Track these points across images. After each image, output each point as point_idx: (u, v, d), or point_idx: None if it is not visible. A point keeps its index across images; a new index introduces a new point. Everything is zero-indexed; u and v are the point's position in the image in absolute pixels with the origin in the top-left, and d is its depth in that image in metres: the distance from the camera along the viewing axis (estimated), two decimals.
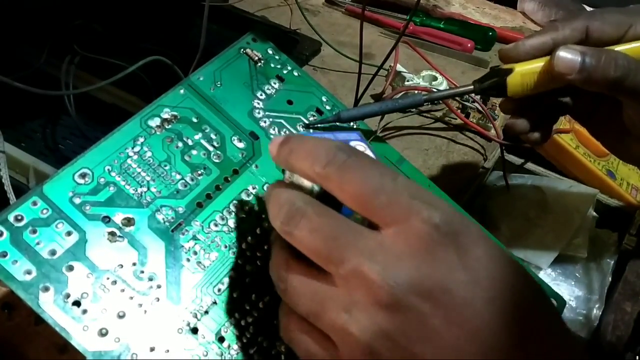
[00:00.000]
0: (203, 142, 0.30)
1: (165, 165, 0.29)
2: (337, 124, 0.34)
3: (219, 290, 0.27)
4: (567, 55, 0.31)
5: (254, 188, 0.30)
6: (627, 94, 0.31)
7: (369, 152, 0.26)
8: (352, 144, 0.26)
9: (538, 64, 0.32)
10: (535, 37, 0.33)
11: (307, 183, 0.24)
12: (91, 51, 0.46)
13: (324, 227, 0.22)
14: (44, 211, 0.25)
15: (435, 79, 0.54)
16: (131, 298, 0.25)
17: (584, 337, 0.40)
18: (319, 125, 0.34)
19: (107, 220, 0.26)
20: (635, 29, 0.32)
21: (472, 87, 0.35)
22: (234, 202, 0.30)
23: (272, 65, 0.35)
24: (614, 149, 0.38)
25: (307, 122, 0.34)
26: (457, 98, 0.53)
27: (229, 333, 0.27)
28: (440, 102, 0.53)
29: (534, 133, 0.36)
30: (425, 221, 0.21)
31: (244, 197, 0.30)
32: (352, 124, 0.35)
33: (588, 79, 0.31)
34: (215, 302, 0.27)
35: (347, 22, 0.69)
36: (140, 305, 0.25)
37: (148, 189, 0.28)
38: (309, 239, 0.22)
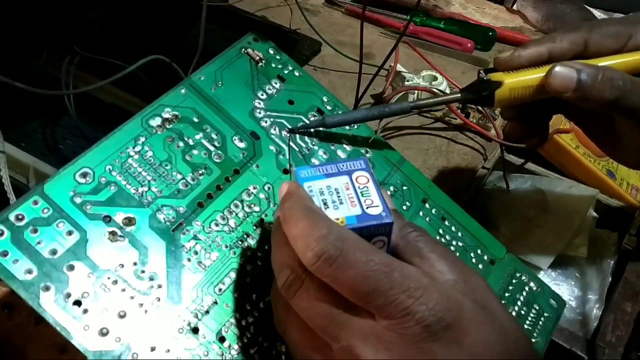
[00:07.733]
0: (204, 141, 0.30)
1: (166, 165, 0.29)
2: (322, 129, 0.33)
3: (220, 290, 0.27)
4: (564, 73, 0.30)
5: (254, 188, 0.30)
6: (621, 113, 0.31)
7: (371, 185, 0.25)
8: (356, 174, 0.26)
9: (529, 77, 0.32)
10: (532, 48, 0.32)
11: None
12: (91, 51, 0.46)
13: (321, 304, 0.23)
14: (45, 210, 0.25)
15: (435, 79, 0.54)
16: (132, 298, 0.25)
17: (583, 337, 0.40)
18: (304, 130, 0.33)
19: (108, 219, 0.26)
20: (635, 39, 0.32)
21: (459, 95, 0.34)
22: (235, 201, 0.30)
23: (273, 65, 0.35)
24: (607, 152, 0.37)
25: (299, 125, 0.33)
26: None
27: (230, 333, 0.27)
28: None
29: (532, 139, 0.36)
30: (419, 321, 0.21)
31: (244, 197, 0.30)
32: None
33: (583, 98, 0.31)
34: (216, 302, 0.27)
35: (347, 22, 0.69)
36: (141, 305, 0.25)
37: (149, 188, 0.28)
38: (307, 311, 0.23)
